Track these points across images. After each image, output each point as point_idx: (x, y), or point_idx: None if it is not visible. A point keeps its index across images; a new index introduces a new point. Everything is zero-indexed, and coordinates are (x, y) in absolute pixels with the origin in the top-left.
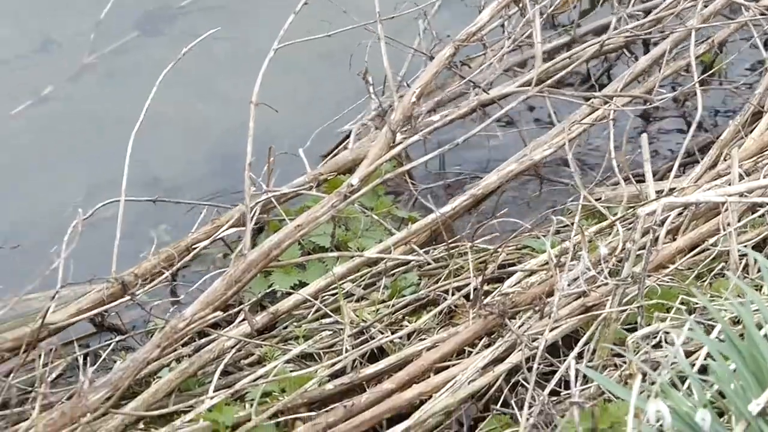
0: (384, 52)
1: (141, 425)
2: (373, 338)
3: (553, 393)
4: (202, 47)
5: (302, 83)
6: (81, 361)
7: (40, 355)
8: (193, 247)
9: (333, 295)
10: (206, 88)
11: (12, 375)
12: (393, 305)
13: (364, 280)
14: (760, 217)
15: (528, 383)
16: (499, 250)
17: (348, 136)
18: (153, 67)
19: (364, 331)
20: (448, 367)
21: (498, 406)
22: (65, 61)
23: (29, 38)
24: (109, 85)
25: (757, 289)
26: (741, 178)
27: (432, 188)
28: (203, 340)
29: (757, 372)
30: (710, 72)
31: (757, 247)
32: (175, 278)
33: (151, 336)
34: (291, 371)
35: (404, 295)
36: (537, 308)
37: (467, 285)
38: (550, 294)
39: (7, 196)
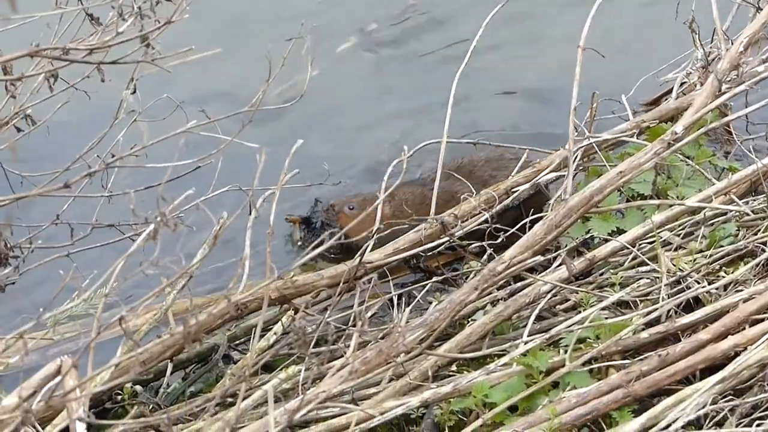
0: (714, 1)
1: (453, 367)
2: (690, 288)
3: None
4: None
5: (625, 31)
6: (396, 301)
7: (356, 294)
8: (513, 190)
9: (650, 243)
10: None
11: (328, 313)
12: (710, 255)
13: (683, 229)
14: None
15: None
16: None
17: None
18: (477, 11)
19: (681, 280)
20: (764, 319)
21: None
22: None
23: None
24: (433, 27)
25: None
26: None
27: (754, 139)
28: (518, 284)
29: None
30: None
31: None
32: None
33: (466, 278)
34: (606, 318)
35: (722, 246)
36: None
37: None
38: None
39: (327, 132)
